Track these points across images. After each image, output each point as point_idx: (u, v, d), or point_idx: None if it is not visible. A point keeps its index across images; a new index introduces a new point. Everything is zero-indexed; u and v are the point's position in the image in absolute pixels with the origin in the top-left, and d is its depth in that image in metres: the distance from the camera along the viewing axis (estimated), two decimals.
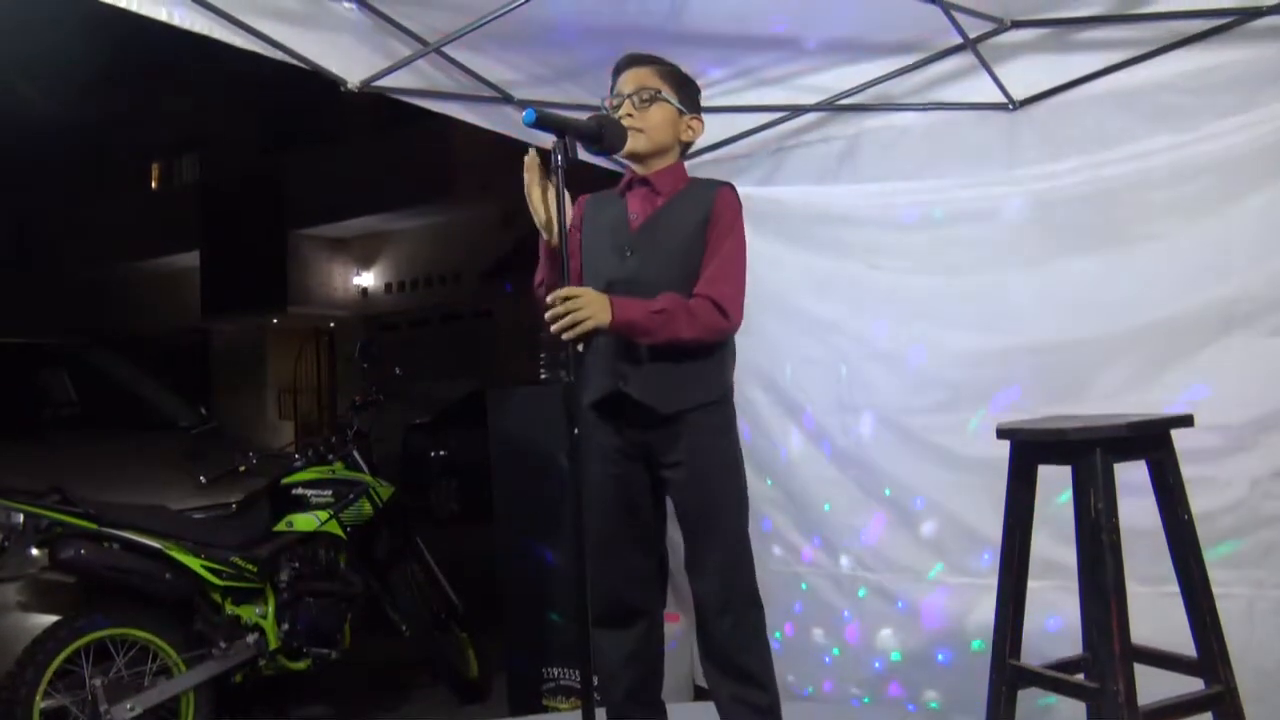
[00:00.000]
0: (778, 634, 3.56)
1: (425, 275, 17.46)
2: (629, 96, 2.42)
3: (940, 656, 3.30)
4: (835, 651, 3.52)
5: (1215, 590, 2.26)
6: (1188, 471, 2.28)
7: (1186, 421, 2.27)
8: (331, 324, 18.44)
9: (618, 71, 2.49)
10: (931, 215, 3.35)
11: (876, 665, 3.44)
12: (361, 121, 15.36)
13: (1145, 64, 2.94)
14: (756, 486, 3.38)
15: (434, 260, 17.23)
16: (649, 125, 2.41)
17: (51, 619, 3.12)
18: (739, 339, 2.49)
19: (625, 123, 2.38)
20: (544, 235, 2.31)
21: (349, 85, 3.03)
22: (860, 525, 3.46)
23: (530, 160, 2.27)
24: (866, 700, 3.45)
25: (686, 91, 2.50)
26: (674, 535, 2.53)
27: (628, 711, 2.48)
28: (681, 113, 2.47)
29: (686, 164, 2.60)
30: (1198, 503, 2.31)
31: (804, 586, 3.56)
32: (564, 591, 3.51)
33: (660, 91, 2.43)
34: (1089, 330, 3.04)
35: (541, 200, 2.29)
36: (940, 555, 3.28)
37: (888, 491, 3.40)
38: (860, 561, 3.46)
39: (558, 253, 2.20)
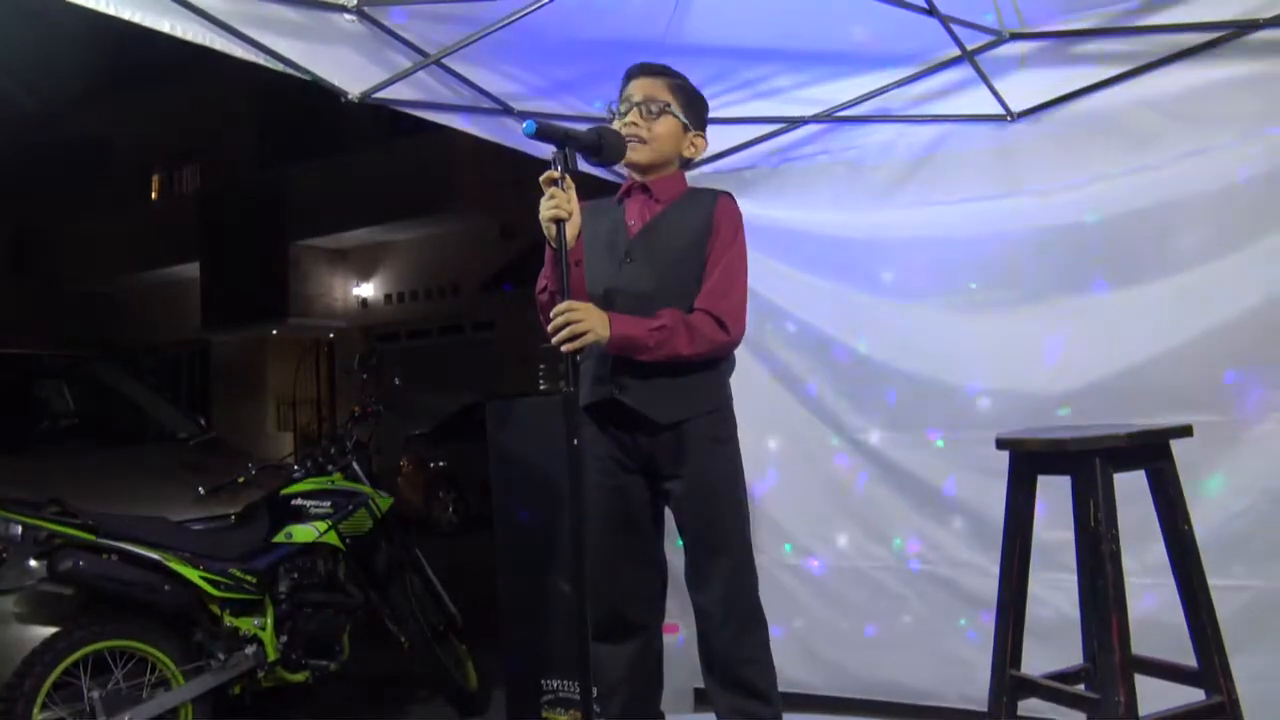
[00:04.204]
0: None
1: (425, 287, 17.46)
2: (637, 105, 2.42)
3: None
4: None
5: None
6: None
7: (1186, 432, 2.27)
8: (331, 335, 18.42)
9: (629, 78, 2.48)
10: (931, 230, 3.35)
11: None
12: (361, 133, 15.39)
13: (1143, 77, 2.96)
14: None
15: (434, 272, 17.24)
16: (653, 137, 2.41)
17: (50, 630, 3.11)
18: (744, 353, 2.49)
19: (630, 132, 2.37)
20: (551, 243, 2.20)
21: (349, 97, 3.03)
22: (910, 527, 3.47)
23: (548, 175, 2.16)
24: None
25: (695, 108, 2.50)
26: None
27: None
28: (687, 128, 2.46)
29: (687, 177, 2.60)
30: None
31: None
32: (564, 604, 3.50)
33: (669, 105, 2.42)
34: (1093, 349, 3.04)
35: (565, 203, 2.13)
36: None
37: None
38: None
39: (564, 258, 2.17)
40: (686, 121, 2.46)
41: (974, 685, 3.19)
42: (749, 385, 3.33)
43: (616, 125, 2.41)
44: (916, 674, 3.43)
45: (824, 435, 3.59)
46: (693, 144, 2.50)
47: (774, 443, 3.67)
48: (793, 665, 2.68)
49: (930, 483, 3.37)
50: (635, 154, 2.37)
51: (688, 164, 2.59)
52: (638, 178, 2.48)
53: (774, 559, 3.60)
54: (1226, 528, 2.80)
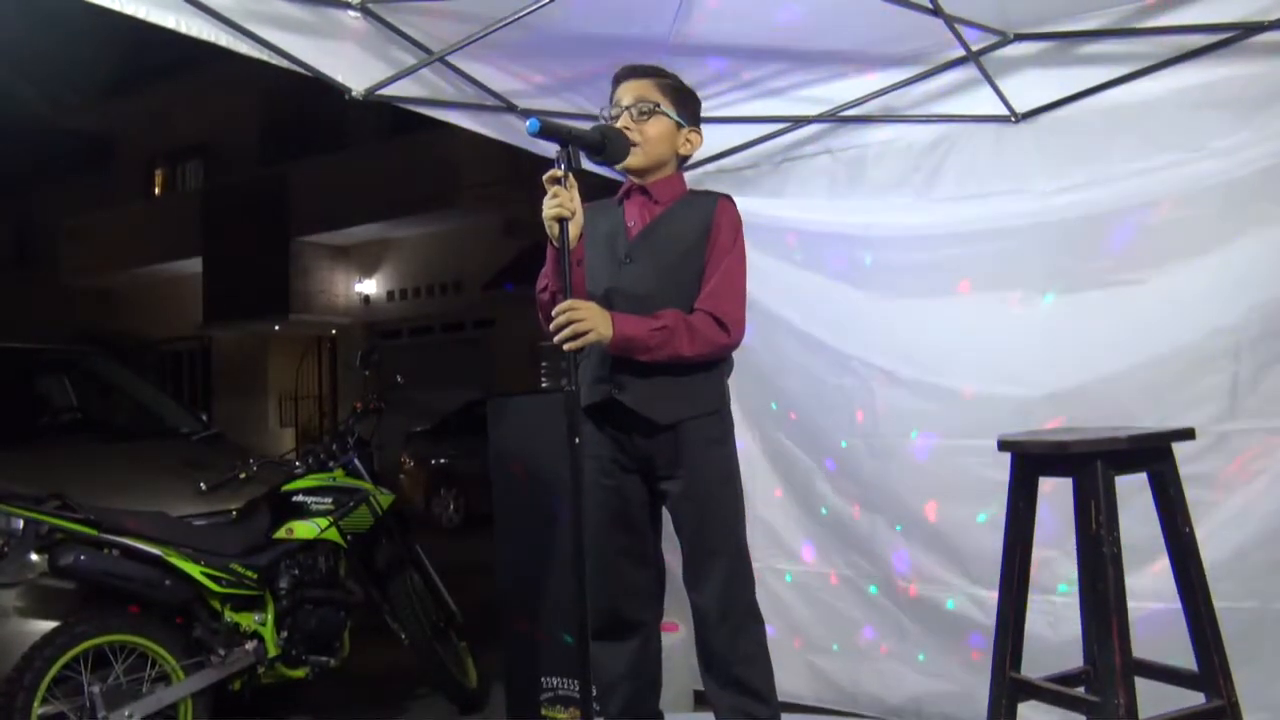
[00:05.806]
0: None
1: (427, 283, 17.45)
2: (627, 108, 2.42)
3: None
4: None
5: (1220, 604, 2.26)
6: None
7: (1188, 435, 2.27)
8: (333, 331, 18.42)
9: (617, 81, 2.48)
10: (933, 231, 3.35)
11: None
12: (364, 129, 15.38)
13: (1147, 78, 2.95)
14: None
15: (436, 268, 17.23)
16: (646, 139, 2.41)
17: (50, 625, 3.11)
18: (742, 355, 2.49)
19: None
20: (554, 242, 2.20)
21: (353, 93, 3.03)
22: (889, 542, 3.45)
23: (552, 174, 2.17)
24: None
25: (686, 105, 2.50)
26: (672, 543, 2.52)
27: None
28: (680, 126, 2.46)
29: (688, 176, 2.60)
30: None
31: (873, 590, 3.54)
32: (563, 602, 3.50)
33: (659, 105, 2.42)
34: (1095, 350, 3.03)
35: (569, 202, 2.14)
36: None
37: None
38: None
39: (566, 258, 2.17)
40: (679, 119, 2.45)
41: (957, 702, 3.20)
42: (744, 386, 3.33)
43: None
44: (899, 689, 3.42)
45: (818, 436, 3.58)
46: (687, 140, 2.49)
47: (768, 445, 3.67)
48: (780, 675, 2.69)
49: (926, 486, 3.35)
50: (630, 159, 2.37)
51: (686, 162, 2.58)
52: (636, 180, 2.48)
53: (767, 566, 3.59)
54: (1227, 540, 2.77)
